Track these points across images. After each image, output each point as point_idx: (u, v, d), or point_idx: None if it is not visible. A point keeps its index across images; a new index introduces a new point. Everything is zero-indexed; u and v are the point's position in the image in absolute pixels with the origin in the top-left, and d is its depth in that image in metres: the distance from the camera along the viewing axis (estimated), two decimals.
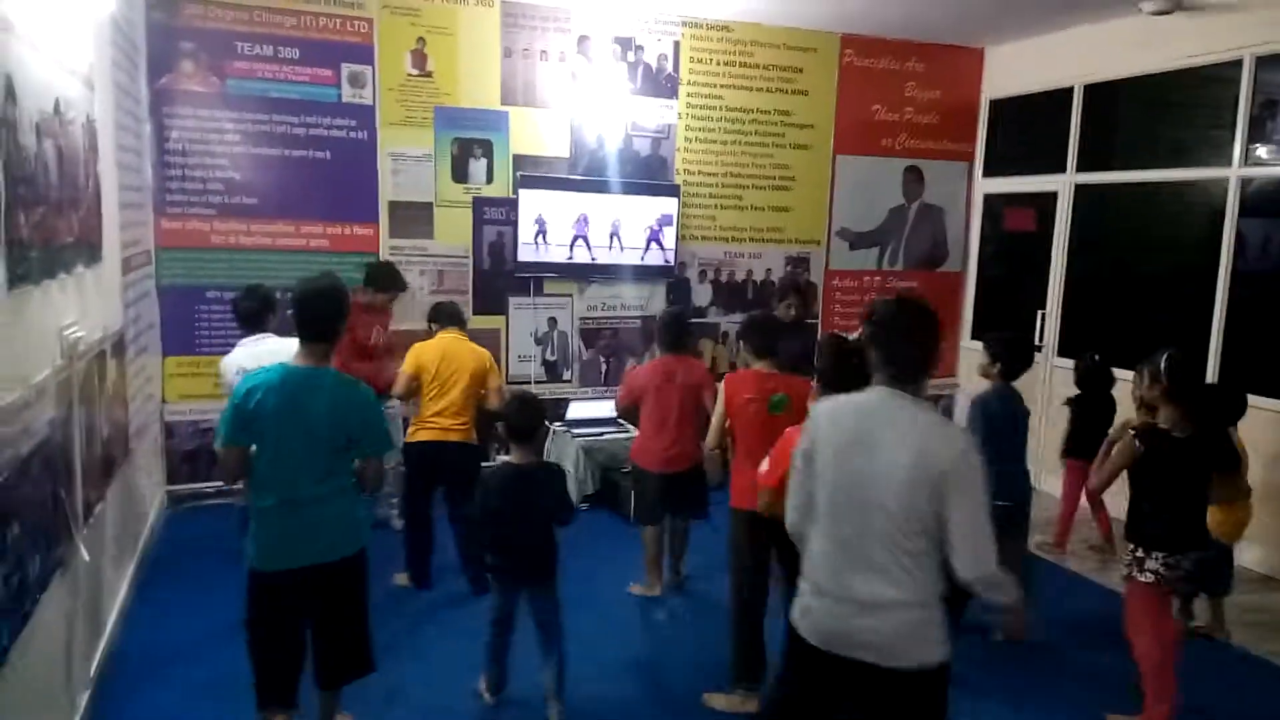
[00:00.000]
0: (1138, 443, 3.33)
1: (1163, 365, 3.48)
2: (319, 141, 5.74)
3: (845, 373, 2.87)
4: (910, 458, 2.13)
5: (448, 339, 4.54)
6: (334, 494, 2.82)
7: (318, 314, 2.80)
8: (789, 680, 2.43)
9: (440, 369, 4.41)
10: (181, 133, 5.49)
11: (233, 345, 4.18)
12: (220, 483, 5.66)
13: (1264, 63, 5.34)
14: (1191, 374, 3.46)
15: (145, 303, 5.13)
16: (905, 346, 2.27)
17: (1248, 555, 5.05)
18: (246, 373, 3.00)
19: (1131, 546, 3.41)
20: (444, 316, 4.67)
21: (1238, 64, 5.44)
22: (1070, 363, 5.60)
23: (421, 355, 4.47)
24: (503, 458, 3.56)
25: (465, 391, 4.42)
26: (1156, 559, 3.32)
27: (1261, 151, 5.42)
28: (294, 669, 2.90)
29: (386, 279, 5.35)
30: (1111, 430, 4.35)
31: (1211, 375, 5.51)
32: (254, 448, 2.78)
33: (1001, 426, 3.86)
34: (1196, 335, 5.61)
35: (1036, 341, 6.60)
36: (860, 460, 2.19)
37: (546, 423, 3.62)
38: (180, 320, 5.61)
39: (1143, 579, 3.35)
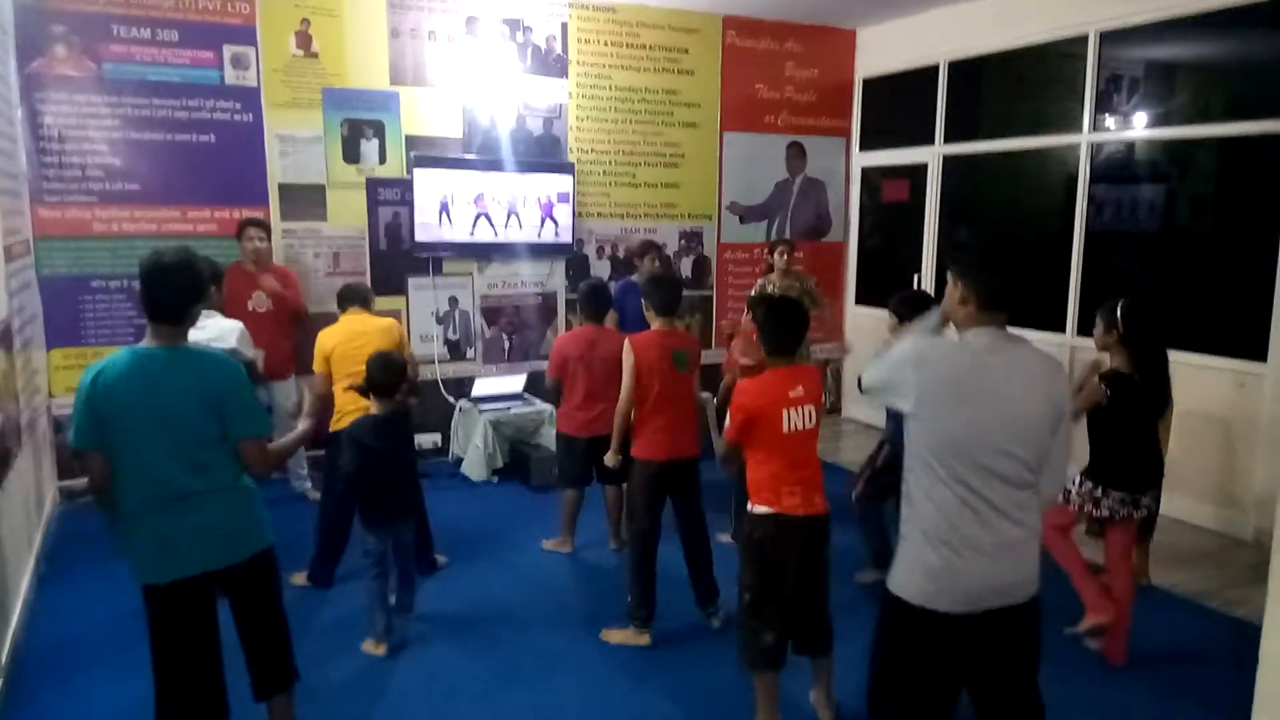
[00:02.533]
0: (1104, 387, 3.53)
1: (1118, 313, 3.62)
2: (203, 125, 5.63)
3: (788, 328, 3.05)
4: (1045, 401, 2.13)
5: (351, 320, 4.49)
6: (216, 491, 2.49)
7: (167, 292, 2.45)
8: (923, 667, 2.23)
9: (347, 352, 4.32)
10: (56, 119, 5.30)
11: (121, 336, 4.02)
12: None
13: (1108, 38, 5.84)
14: (1144, 321, 3.59)
15: (26, 294, 4.96)
16: (1006, 278, 2.17)
17: None
18: None
19: (1090, 485, 3.63)
20: (346, 298, 4.62)
21: (1084, 39, 5.92)
22: None
23: (326, 344, 4.38)
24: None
25: None
26: (1113, 497, 3.58)
27: (1108, 120, 5.93)
28: (213, 686, 2.60)
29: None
30: (1076, 375, 4.58)
31: (1070, 332, 6.01)
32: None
33: None
34: (1057, 293, 6.09)
35: None
36: (989, 406, 2.10)
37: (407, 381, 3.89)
38: (64, 311, 5.43)
39: (1098, 514, 3.60)
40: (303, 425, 3.09)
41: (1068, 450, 2.27)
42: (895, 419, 4.07)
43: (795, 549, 2.99)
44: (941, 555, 2.13)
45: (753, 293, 6.10)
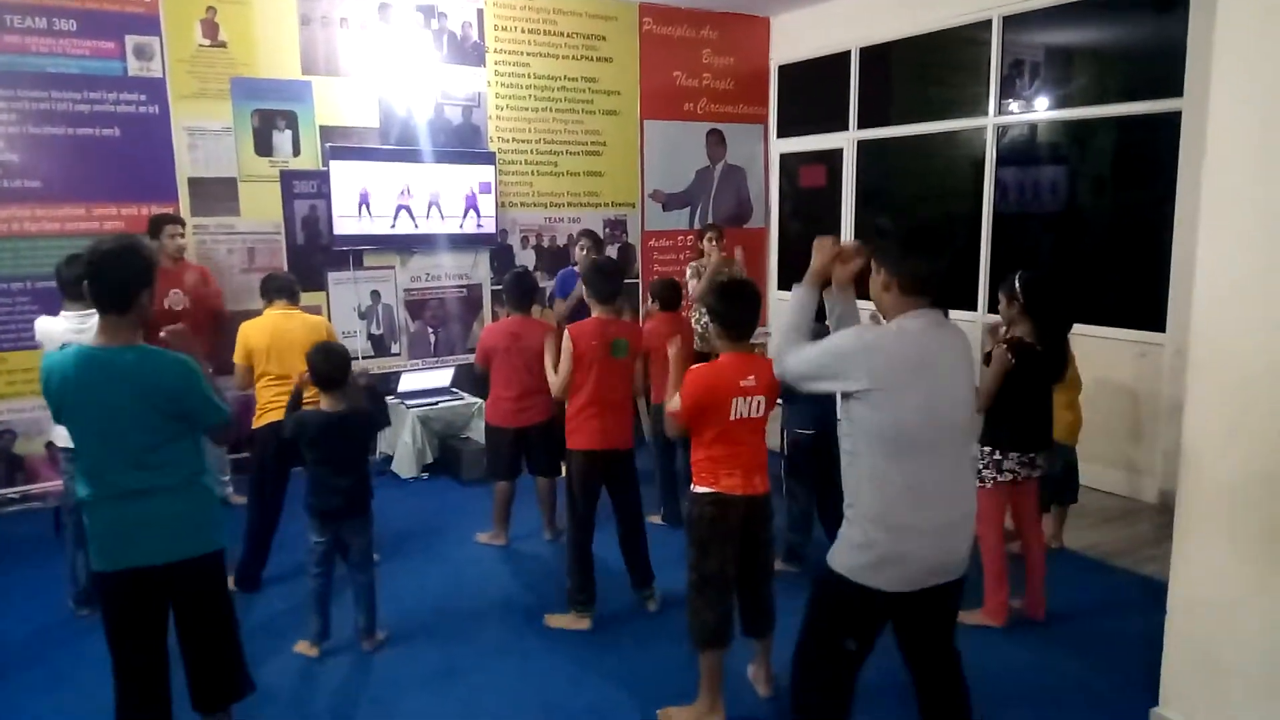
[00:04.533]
0: (1009, 355, 3.65)
1: (1017, 284, 3.77)
2: (106, 118, 5.40)
3: (743, 311, 3.06)
4: (968, 371, 2.26)
5: (275, 315, 4.34)
6: (164, 489, 2.48)
7: (113, 280, 2.42)
8: (857, 637, 2.33)
9: (272, 348, 4.20)
10: None
11: (26, 339, 3.90)
12: (22, 487, 5.34)
13: (1010, 22, 6.05)
14: (1042, 291, 3.74)
15: None
16: (928, 264, 2.22)
17: None
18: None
19: (989, 449, 3.77)
20: (271, 290, 4.45)
21: (987, 24, 6.13)
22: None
23: (249, 338, 4.24)
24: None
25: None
26: (1012, 459, 3.73)
27: (1012, 103, 6.15)
28: (156, 686, 2.58)
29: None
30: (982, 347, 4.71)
31: (981, 310, 6.23)
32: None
33: None
34: (968, 273, 6.31)
35: None
36: (933, 387, 2.17)
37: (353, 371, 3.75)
38: None
39: (1002, 479, 3.75)
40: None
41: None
42: (808, 407, 4.16)
43: (735, 528, 3.04)
44: (885, 537, 2.20)
45: (688, 279, 6.14)
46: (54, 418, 2.53)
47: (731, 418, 2.99)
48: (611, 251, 7.35)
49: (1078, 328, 4.05)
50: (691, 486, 3.11)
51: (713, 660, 3.10)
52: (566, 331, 3.84)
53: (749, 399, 3.00)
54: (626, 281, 7.43)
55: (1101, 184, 6.10)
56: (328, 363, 3.53)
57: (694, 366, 3.07)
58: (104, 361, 2.42)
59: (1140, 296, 5.48)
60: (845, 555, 2.28)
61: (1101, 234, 5.98)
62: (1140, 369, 5.40)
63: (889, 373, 2.15)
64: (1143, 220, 5.60)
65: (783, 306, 4.37)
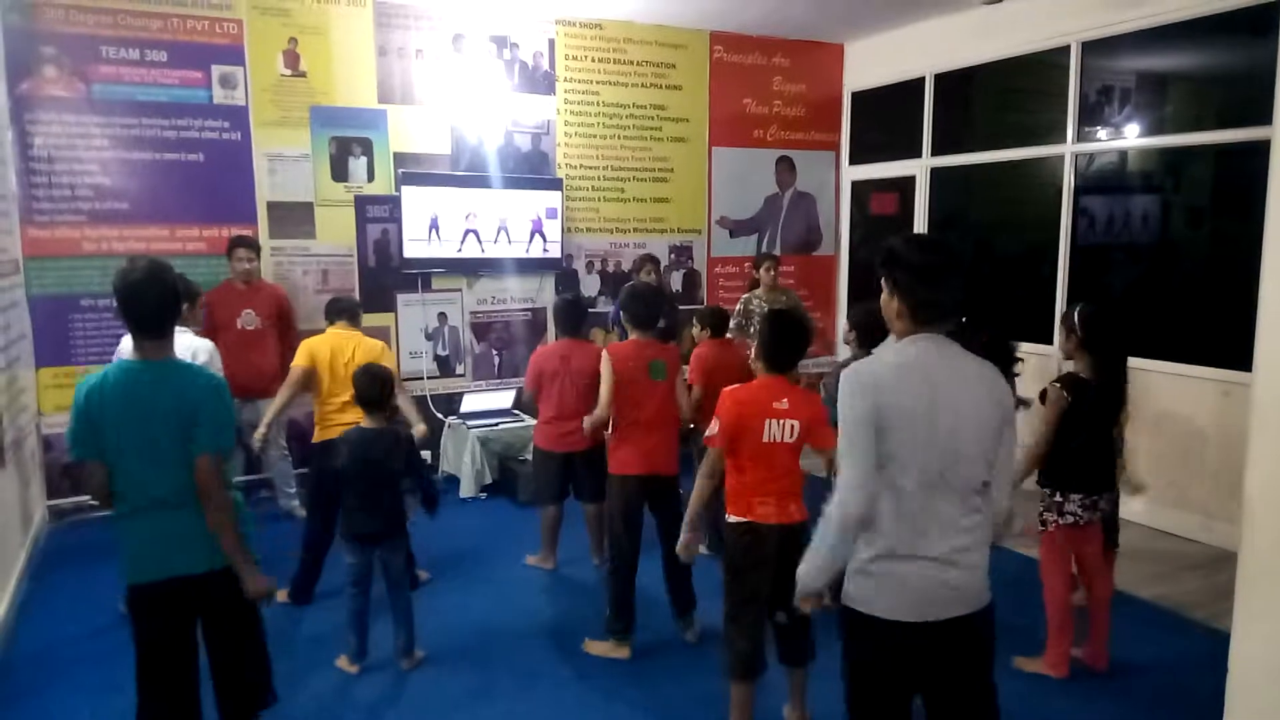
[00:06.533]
0: (1064, 393, 3.53)
1: (1076, 318, 3.65)
2: (191, 144, 5.69)
3: (789, 343, 3.05)
4: (990, 405, 2.12)
5: (334, 334, 4.49)
6: (193, 502, 2.51)
7: (144, 306, 2.48)
8: (875, 673, 2.22)
9: (333, 364, 4.34)
10: (46, 139, 5.37)
11: (111, 354, 4.09)
12: None
13: (1089, 48, 5.86)
14: (1102, 325, 3.61)
15: (15, 312, 5.00)
16: (940, 295, 2.11)
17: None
18: None
19: (1049, 492, 3.63)
20: (333, 312, 4.62)
21: (1065, 50, 5.94)
22: None
23: (314, 349, 4.40)
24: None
25: None
26: (1074, 501, 3.57)
27: (1091, 129, 5.94)
28: (185, 695, 2.62)
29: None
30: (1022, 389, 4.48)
31: (1058, 343, 5.97)
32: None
33: None
34: (1043, 305, 6.09)
35: None
36: (939, 417, 2.07)
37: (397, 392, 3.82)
38: (54, 331, 5.48)
39: (1064, 521, 3.59)
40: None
41: (1014, 454, 2.26)
42: None
43: (769, 558, 2.99)
44: (891, 565, 2.12)
45: (738, 306, 6.12)
46: (75, 450, 2.52)
47: (764, 439, 2.97)
48: (677, 278, 7.35)
49: (1157, 364, 3.87)
50: (726, 515, 3.07)
51: (742, 692, 3.04)
52: (605, 353, 3.85)
53: (782, 422, 2.97)
54: (693, 308, 7.41)
55: (1184, 214, 5.82)
56: (369, 385, 3.63)
57: (729, 388, 3.06)
58: (142, 375, 2.50)
59: (1226, 333, 5.19)
60: (854, 585, 2.21)
61: (1184, 267, 5.70)
62: (1224, 409, 5.10)
63: (893, 411, 2.07)
64: (1230, 253, 5.31)
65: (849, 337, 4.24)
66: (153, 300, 2.49)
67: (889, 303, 2.16)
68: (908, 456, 2.07)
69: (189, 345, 3.87)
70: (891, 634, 2.14)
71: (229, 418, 2.61)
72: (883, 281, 2.17)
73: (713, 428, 3.04)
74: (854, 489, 2.08)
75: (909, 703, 2.25)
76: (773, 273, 6.02)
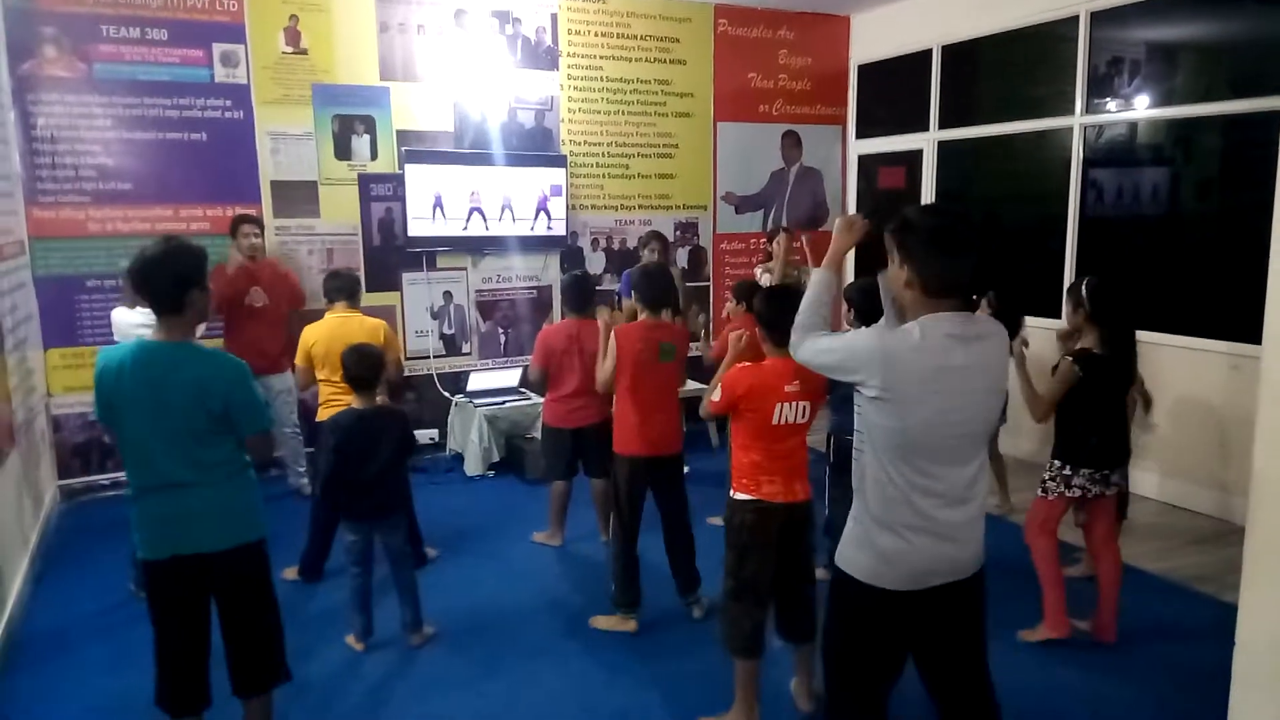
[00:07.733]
0: (1075, 367, 3.51)
1: (1083, 291, 3.62)
2: (194, 123, 5.66)
3: (782, 314, 3.00)
4: (999, 387, 2.16)
5: (334, 319, 4.46)
6: (206, 482, 2.54)
7: (160, 283, 2.49)
8: (871, 642, 2.23)
9: (329, 352, 4.27)
10: (49, 119, 5.35)
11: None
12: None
13: (1098, 18, 5.78)
14: (1110, 297, 3.58)
15: (22, 293, 5.01)
16: (954, 266, 2.06)
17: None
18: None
19: (1059, 464, 3.63)
20: (333, 289, 4.58)
21: (1074, 20, 5.86)
22: None
23: (308, 342, 4.38)
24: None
25: None
26: (1083, 475, 3.57)
27: (1100, 101, 5.87)
28: (195, 668, 2.67)
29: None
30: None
31: (1065, 317, 5.93)
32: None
33: None
34: (1051, 277, 6.05)
35: None
36: (948, 399, 2.05)
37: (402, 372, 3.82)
38: (60, 311, 5.49)
39: (1070, 494, 3.60)
40: None
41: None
42: (839, 410, 4.01)
43: (774, 535, 3.00)
44: (890, 537, 2.12)
45: (757, 279, 6.06)
46: (99, 415, 2.59)
47: (774, 422, 2.95)
48: (682, 255, 7.32)
49: (1167, 337, 3.84)
50: (731, 492, 3.07)
51: (747, 669, 3.05)
52: (613, 333, 3.84)
53: (794, 404, 2.96)
54: (699, 284, 7.40)
55: (1193, 187, 5.75)
56: (358, 365, 3.62)
57: (740, 365, 3.05)
58: (160, 355, 2.51)
59: (1235, 306, 5.14)
60: (851, 551, 2.23)
61: (1194, 238, 5.65)
62: (1234, 382, 5.07)
63: (902, 384, 2.05)
64: (1240, 225, 5.26)
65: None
66: (166, 277, 2.49)
67: (898, 274, 2.11)
68: (910, 432, 2.07)
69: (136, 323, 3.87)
70: (887, 601, 2.15)
71: (259, 397, 2.66)
72: (894, 251, 2.13)
73: (716, 394, 3.04)
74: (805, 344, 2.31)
75: (900, 665, 2.27)
76: (784, 246, 5.97)
